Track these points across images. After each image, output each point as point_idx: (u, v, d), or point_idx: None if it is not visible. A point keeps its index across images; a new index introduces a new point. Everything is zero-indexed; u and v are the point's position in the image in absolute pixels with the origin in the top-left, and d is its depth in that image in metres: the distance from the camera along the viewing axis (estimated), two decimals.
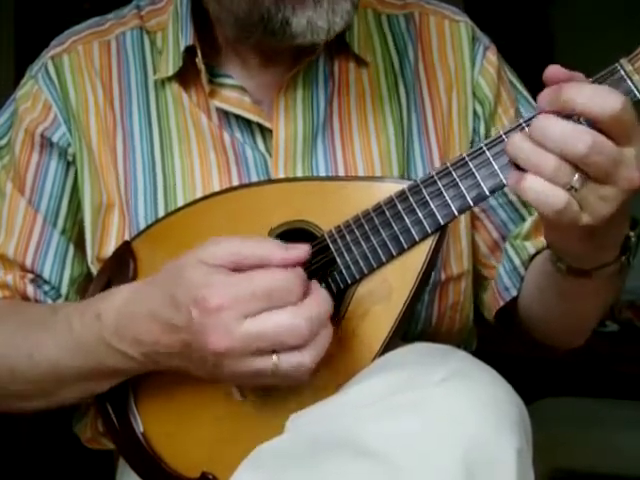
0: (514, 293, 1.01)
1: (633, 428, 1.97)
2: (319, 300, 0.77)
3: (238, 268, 0.77)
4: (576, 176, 0.72)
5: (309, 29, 0.86)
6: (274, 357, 0.76)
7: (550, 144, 0.72)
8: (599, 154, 0.71)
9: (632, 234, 0.82)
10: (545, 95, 0.74)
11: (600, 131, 0.72)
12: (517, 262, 1.01)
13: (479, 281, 1.06)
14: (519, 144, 0.74)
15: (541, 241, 1.00)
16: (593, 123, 0.72)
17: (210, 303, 0.76)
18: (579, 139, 0.71)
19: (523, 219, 1.02)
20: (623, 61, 0.76)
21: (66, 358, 0.88)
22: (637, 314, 2.29)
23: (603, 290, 0.90)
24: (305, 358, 0.76)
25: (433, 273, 0.98)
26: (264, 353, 0.76)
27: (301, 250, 0.78)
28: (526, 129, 0.77)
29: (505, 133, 0.78)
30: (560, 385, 2.28)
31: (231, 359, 0.77)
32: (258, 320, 0.75)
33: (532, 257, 1.00)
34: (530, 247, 1.00)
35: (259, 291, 0.75)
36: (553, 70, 0.75)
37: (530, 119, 0.76)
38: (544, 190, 0.72)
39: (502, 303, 1.02)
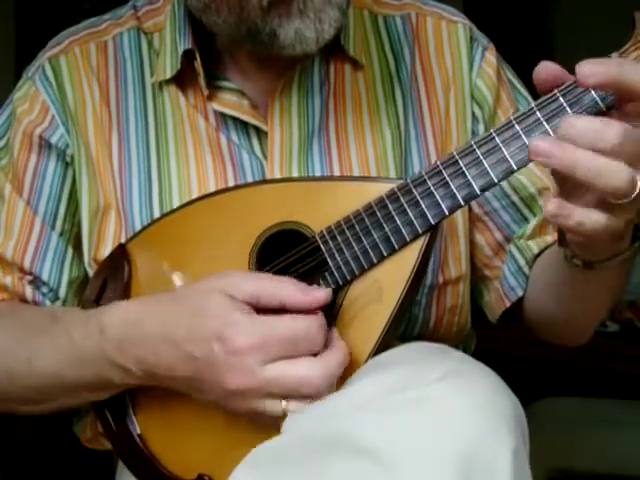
0: (520, 293, 1.01)
1: (633, 428, 1.97)
2: (339, 355, 0.78)
3: (258, 306, 0.79)
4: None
5: (297, 40, 0.87)
6: (284, 403, 0.77)
7: (581, 141, 0.69)
8: (632, 142, 0.69)
9: None
10: (590, 68, 0.68)
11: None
12: (522, 262, 1.00)
13: (482, 282, 1.05)
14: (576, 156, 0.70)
15: (544, 240, 1.00)
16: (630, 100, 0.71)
17: (235, 343, 0.76)
18: (608, 130, 0.69)
19: (526, 220, 1.02)
20: (614, 55, 0.76)
21: (65, 368, 0.88)
22: (637, 314, 2.28)
23: (615, 280, 0.89)
24: None
25: (431, 276, 0.98)
26: (275, 397, 0.77)
27: (321, 293, 0.79)
28: (516, 126, 0.76)
29: (495, 130, 0.77)
30: (560, 385, 2.28)
31: (241, 398, 0.78)
32: (280, 367, 0.77)
33: (536, 256, 1.00)
34: (534, 246, 1.00)
35: (283, 338, 0.77)
36: (546, 67, 0.74)
37: (521, 115, 0.76)
38: (597, 220, 0.71)
39: (509, 304, 1.02)
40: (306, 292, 0.79)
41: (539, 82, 0.75)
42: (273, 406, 0.78)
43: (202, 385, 0.80)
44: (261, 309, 0.79)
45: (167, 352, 0.80)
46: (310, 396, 0.77)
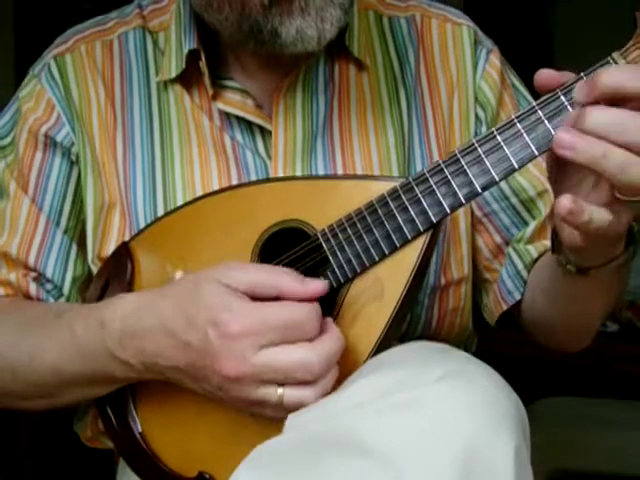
0: (517, 297, 1.00)
1: (633, 428, 1.97)
2: (334, 340, 0.78)
3: (255, 296, 0.78)
4: None
5: (299, 38, 0.87)
6: (279, 390, 0.77)
7: (612, 136, 0.69)
8: None
9: (634, 223, 0.81)
10: (582, 88, 0.71)
11: None
12: (520, 266, 1.00)
13: (482, 285, 1.05)
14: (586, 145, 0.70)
15: (543, 244, 1.00)
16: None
17: (230, 328, 0.76)
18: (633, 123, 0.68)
19: (526, 223, 1.02)
20: (615, 55, 0.76)
21: (66, 362, 0.88)
22: (637, 314, 2.29)
23: (610, 286, 0.89)
24: (310, 395, 0.77)
25: (433, 277, 0.98)
26: (271, 384, 0.77)
27: (319, 285, 0.79)
28: (518, 125, 0.76)
29: (497, 129, 0.77)
30: (560, 385, 2.29)
31: (238, 385, 0.77)
32: (273, 351, 0.76)
33: (535, 260, 0.99)
34: (533, 250, 1.00)
35: (278, 323, 0.76)
36: (544, 75, 0.75)
37: (522, 114, 0.76)
38: (605, 217, 0.71)
39: (505, 307, 1.02)
40: (303, 283, 0.79)
41: (541, 89, 0.75)
42: (269, 393, 0.77)
43: (200, 373, 0.79)
44: (258, 299, 0.79)
45: (165, 342, 0.80)
46: (308, 382, 0.76)
